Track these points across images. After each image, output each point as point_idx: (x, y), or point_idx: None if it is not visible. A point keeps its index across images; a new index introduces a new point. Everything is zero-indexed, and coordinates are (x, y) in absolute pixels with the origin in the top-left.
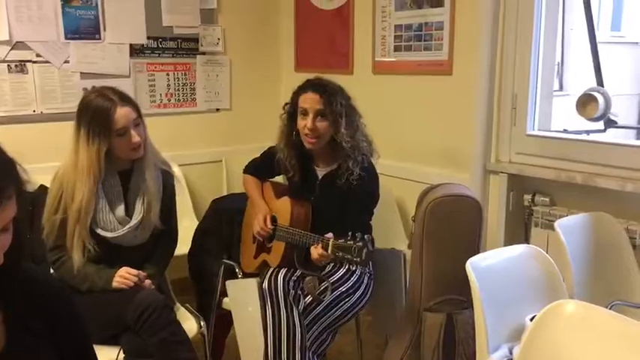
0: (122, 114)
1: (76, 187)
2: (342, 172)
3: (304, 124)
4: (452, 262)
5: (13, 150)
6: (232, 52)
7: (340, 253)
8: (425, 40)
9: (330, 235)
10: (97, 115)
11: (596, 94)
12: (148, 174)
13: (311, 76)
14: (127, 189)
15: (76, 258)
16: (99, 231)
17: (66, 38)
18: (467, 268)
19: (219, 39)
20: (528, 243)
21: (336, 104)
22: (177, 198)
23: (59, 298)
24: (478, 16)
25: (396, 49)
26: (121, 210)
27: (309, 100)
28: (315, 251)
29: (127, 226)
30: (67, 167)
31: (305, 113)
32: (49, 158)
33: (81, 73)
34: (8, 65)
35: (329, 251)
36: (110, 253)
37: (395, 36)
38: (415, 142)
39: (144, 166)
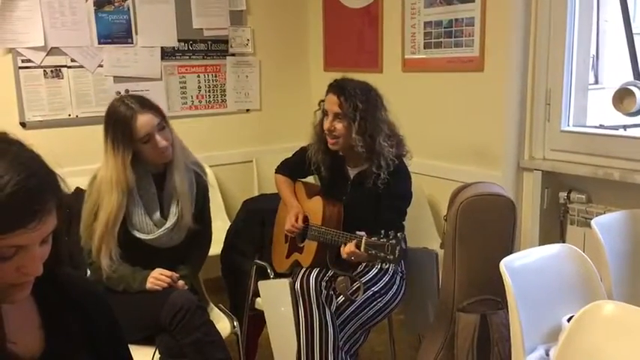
0: (143, 122)
1: (105, 198)
2: (371, 173)
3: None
4: (485, 261)
5: (50, 154)
6: (262, 52)
7: (373, 251)
8: (455, 37)
9: (362, 233)
10: (118, 124)
11: (633, 87)
12: (179, 175)
13: (340, 75)
14: (161, 191)
15: (105, 264)
16: (135, 233)
17: (99, 43)
18: (501, 268)
19: (248, 40)
20: (564, 241)
21: (351, 107)
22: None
23: (96, 302)
24: (509, 10)
25: (426, 46)
26: (156, 212)
27: (329, 102)
28: (346, 248)
29: (163, 228)
30: (101, 176)
31: (327, 114)
32: (85, 161)
33: (114, 77)
34: (44, 70)
35: (362, 249)
36: (146, 255)
37: (424, 33)
38: (446, 140)
39: (175, 167)
